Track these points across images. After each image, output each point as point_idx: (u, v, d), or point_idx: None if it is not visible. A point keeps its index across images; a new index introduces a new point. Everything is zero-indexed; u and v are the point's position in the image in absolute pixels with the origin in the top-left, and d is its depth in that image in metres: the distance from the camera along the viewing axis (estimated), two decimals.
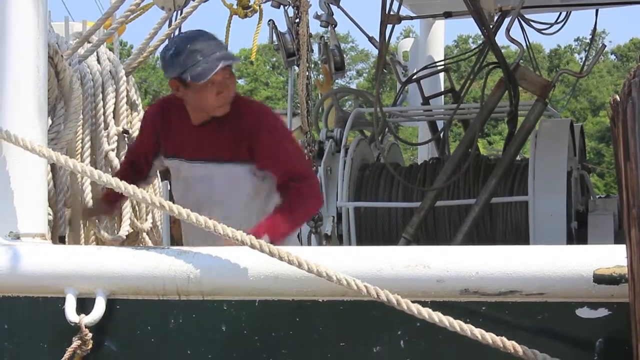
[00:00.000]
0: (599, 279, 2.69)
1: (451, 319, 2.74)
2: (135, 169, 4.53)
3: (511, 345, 2.69)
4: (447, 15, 7.54)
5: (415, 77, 7.13)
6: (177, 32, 5.25)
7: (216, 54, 4.05)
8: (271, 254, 2.89)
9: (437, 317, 2.75)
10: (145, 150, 4.48)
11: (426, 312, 2.75)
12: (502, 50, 6.03)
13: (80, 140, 4.71)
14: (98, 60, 4.90)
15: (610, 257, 2.71)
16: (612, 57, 51.30)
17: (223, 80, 4.10)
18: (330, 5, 6.95)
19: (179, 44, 4.12)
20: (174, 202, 3.24)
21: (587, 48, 44.97)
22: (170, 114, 4.33)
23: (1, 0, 3.28)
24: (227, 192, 4.22)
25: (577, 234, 5.70)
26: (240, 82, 48.44)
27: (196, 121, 4.23)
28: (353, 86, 44.62)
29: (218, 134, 4.19)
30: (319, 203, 4.38)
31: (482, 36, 6.37)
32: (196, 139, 4.24)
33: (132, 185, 3.13)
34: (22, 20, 3.29)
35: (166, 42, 5.49)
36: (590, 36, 8.00)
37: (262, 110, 4.32)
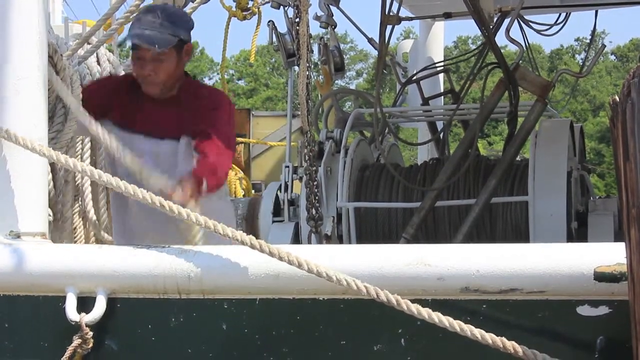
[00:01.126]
0: (600, 276, 2.69)
1: (451, 319, 2.74)
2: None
3: (511, 345, 2.69)
4: (447, 16, 7.54)
5: (415, 78, 7.13)
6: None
7: (143, 30, 4.17)
8: (271, 254, 2.89)
9: (437, 317, 2.75)
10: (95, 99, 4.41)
11: (426, 313, 2.75)
12: (501, 51, 6.03)
13: (80, 141, 4.71)
14: (98, 62, 4.90)
15: (610, 255, 2.71)
16: (612, 57, 51.35)
17: (148, 58, 4.21)
18: (330, 6, 6.95)
19: (142, 9, 4.29)
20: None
21: (586, 49, 45.03)
22: (122, 84, 4.46)
23: (2, 0, 3.28)
24: (170, 168, 4.23)
25: (577, 234, 5.69)
26: (240, 83, 48.46)
27: (147, 95, 4.35)
28: (352, 86, 44.63)
29: (167, 114, 4.31)
30: (223, 177, 4.38)
31: (481, 37, 6.37)
32: (145, 113, 4.34)
33: (132, 185, 3.14)
34: (23, 19, 3.30)
35: None
36: (590, 37, 7.99)
37: (216, 95, 4.50)
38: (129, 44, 4.23)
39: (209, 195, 4.13)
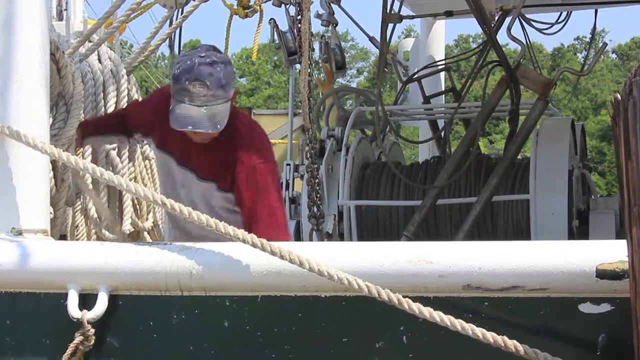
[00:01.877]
0: (602, 274, 2.69)
1: (452, 318, 2.74)
2: (124, 128, 4.49)
3: (512, 344, 2.69)
4: (448, 14, 7.55)
5: (416, 76, 7.13)
6: (177, 32, 5.27)
7: (193, 114, 3.90)
8: (272, 253, 2.89)
9: (439, 316, 2.75)
10: (135, 121, 4.42)
11: (427, 312, 2.75)
12: (503, 50, 6.02)
13: None
14: (99, 60, 4.90)
15: (612, 252, 2.71)
16: (613, 56, 51.37)
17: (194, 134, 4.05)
18: (331, 4, 6.95)
19: (184, 68, 3.96)
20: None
21: (586, 47, 45.01)
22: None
23: None
24: (202, 205, 4.15)
25: (579, 233, 5.69)
26: (242, 81, 48.48)
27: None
28: (353, 85, 44.64)
29: (210, 152, 4.13)
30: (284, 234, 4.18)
31: (482, 35, 6.37)
32: (189, 146, 4.15)
33: (133, 182, 3.14)
34: (25, 17, 3.30)
35: (167, 41, 5.51)
36: (590, 35, 8.01)
37: (255, 140, 4.20)
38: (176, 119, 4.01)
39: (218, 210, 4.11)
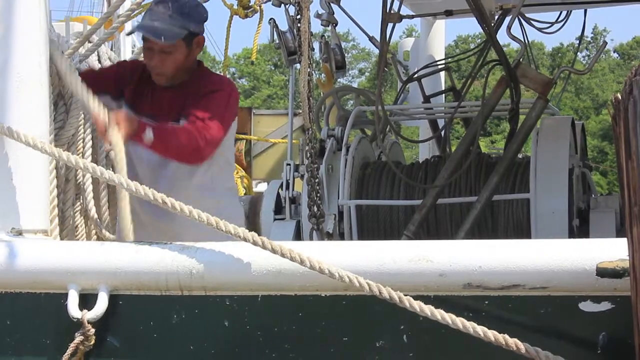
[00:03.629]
0: (602, 272, 2.69)
1: (453, 316, 2.74)
2: (101, 79, 4.51)
3: (514, 342, 2.69)
4: (448, 13, 7.55)
5: (416, 75, 7.13)
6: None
7: (152, 22, 4.17)
8: (273, 251, 2.89)
9: (440, 314, 2.74)
10: (105, 81, 4.48)
11: (429, 310, 2.75)
12: (503, 49, 6.02)
13: (81, 140, 4.71)
14: (99, 60, 4.89)
15: (613, 250, 2.71)
16: (615, 55, 51.42)
17: (157, 50, 4.22)
18: (331, 4, 6.95)
19: (154, 1, 4.26)
20: None
21: (587, 47, 45.03)
22: (144, 71, 4.44)
23: None
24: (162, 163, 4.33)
25: (579, 232, 5.69)
26: (242, 81, 48.50)
27: (157, 83, 4.37)
28: (355, 85, 44.65)
29: (176, 100, 4.30)
30: (194, 151, 4.25)
31: (482, 35, 6.37)
32: (153, 97, 4.36)
33: (133, 182, 3.15)
34: (25, 17, 3.30)
35: None
36: (580, 35, 8.00)
37: (221, 80, 4.48)
38: (137, 36, 4.28)
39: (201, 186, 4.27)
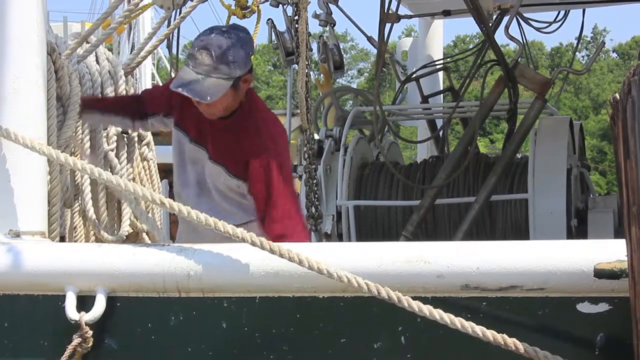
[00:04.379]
0: (600, 273, 2.68)
1: (452, 316, 2.74)
2: (139, 105, 4.50)
3: (512, 342, 2.68)
4: (446, 13, 7.55)
5: (414, 76, 7.13)
6: (175, 32, 5.26)
7: (196, 76, 3.94)
8: (272, 252, 2.89)
9: (438, 314, 2.74)
10: (156, 101, 4.44)
11: (427, 310, 2.75)
12: (501, 49, 6.02)
13: (80, 141, 4.71)
14: (97, 61, 4.89)
15: (610, 251, 2.71)
16: (614, 55, 51.46)
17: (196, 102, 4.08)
18: (329, 4, 6.95)
19: (201, 36, 4.04)
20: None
21: (583, 46, 45.02)
22: None
23: (2, 0, 3.28)
24: (210, 186, 4.22)
25: (577, 232, 5.69)
26: None
27: None
28: (354, 85, 44.65)
29: (224, 135, 4.16)
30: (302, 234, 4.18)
31: (481, 35, 6.37)
32: (205, 126, 4.20)
33: (132, 183, 3.14)
34: (22, 18, 3.30)
35: (165, 42, 5.50)
36: (579, 34, 7.97)
37: (270, 134, 4.20)
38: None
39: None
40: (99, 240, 4.79)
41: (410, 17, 7.98)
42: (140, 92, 4.73)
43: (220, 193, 4.22)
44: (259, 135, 4.15)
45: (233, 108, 4.18)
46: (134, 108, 4.52)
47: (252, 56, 4.18)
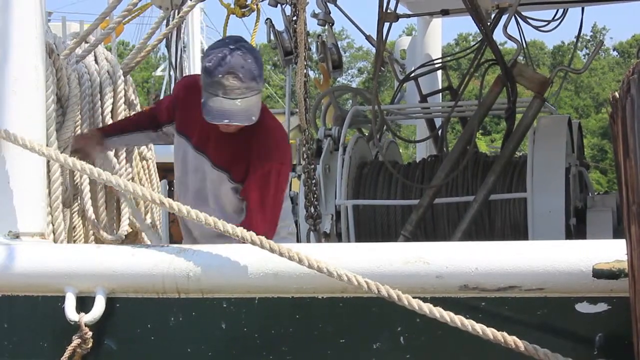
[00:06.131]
0: (599, 273, 2.69)
1: (452, 314, 2.74)
2: (152, 118, 4.54)
3: (512, 340, 2.69)
4: (444, 12, 7.54)
5: (412, 75, 7.13)
6: (175, 32, 5.26)
7: (233, 101, 3.90)
8: (272, 250, 2.90)
9: (438, 312, 2.75)
10: (167, 111, 4.47)
11: (427, 308, 2.75)
12: (501, 48, 6.02)
13: None
14: (96, 60, 4.89)
15: (609, 251, 2.71)
16: (614, 53, 51.47)
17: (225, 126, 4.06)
18: (328, 3, 6.94)
19: (216, 61, 3.95)
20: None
21: (583, 45, 45.02)
22: (197, 92, 4.16)
23: (0, 1, 3.28)
24: (210, 193, 4.21)
25: (576, 231, 5.69)
26: None
27: None
28: (354, 85, 44.62)
29: (232, 140, 4.14)
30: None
31: (480, 34, 6.37)
32: (209, 133, 4.17)
33: (131, 182, 3.15)
34: (21, 20, 3.30)
35: (164, 41, 5.50)
36: (578, 33, 7.97)
37: (277, 141, 4.21)
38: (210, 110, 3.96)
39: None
40: (98, 240, 4.79)
41: (408, 16, 7.97)
42: (151, 107, 4.76)
43: (219, 202, 4.21)
44: (267, 140, 4.15)
45: None
46: (149, 121, 4.55)
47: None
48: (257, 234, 2.98)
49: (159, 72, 28.29)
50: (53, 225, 3.96)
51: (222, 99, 3.92)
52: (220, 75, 3.92)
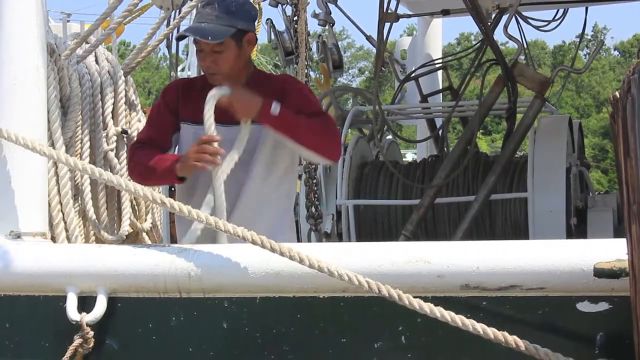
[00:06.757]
0: (600, 272, 2.69)
1: (453, 314, 2.74)
2: (163, 146, 4.38)
3: (513, 340, 2.69)
4: (445, 12, 7.55)
5: (413, 75, 7.14)
6: (175, 32, 5.26)
7: (199, 24, 4.08)
8: (272, 250, 2.90)
9: (439, 312, 2.75)
10: (163, 127, 4.37)
11: (428, 307, 2.75)
12: (502, 48, 6.03)
13: (79, 141, 4.71)
14: (96, 61, 4.89)
15: (610, 251, 2.71)
16: (615, 53, 51.47)
17: (208, 51, 4.11)
18: (328, 3, 6.95)
19: (201, 4, 4.20)
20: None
21: (584, 45, 45.01)
22: (195, 83, 4.32)
23: (0, 1, 3.29)
24: (245, 157, 4.08)
25: (577, 231, 5.70)
26: None
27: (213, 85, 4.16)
28: (355, 85, 44.62)
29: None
30: (336, 145, 4.22)
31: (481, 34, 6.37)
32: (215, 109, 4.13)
33: (132, 182, 3.15)
34: (21, 20, 3.31)
35: (164, 42, 5.51)
36: (581, 32, 7.99)
37: (287, 77, 4.40)
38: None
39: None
40: (99, 240, 4.79)
41: (409, 16, 7.98)
42: (145, 142, 4.44)
43: (263, 167, 4.16)
44: (284, 80, 4.30)
45: (238, 69, 4.17)
46: (163, 149, 4.34)
47: (257, 23, 4.34)
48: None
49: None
50: (53, 225, 3.97)
51: (195, 23, 4.12)
52: (200, 6, 4.14)
